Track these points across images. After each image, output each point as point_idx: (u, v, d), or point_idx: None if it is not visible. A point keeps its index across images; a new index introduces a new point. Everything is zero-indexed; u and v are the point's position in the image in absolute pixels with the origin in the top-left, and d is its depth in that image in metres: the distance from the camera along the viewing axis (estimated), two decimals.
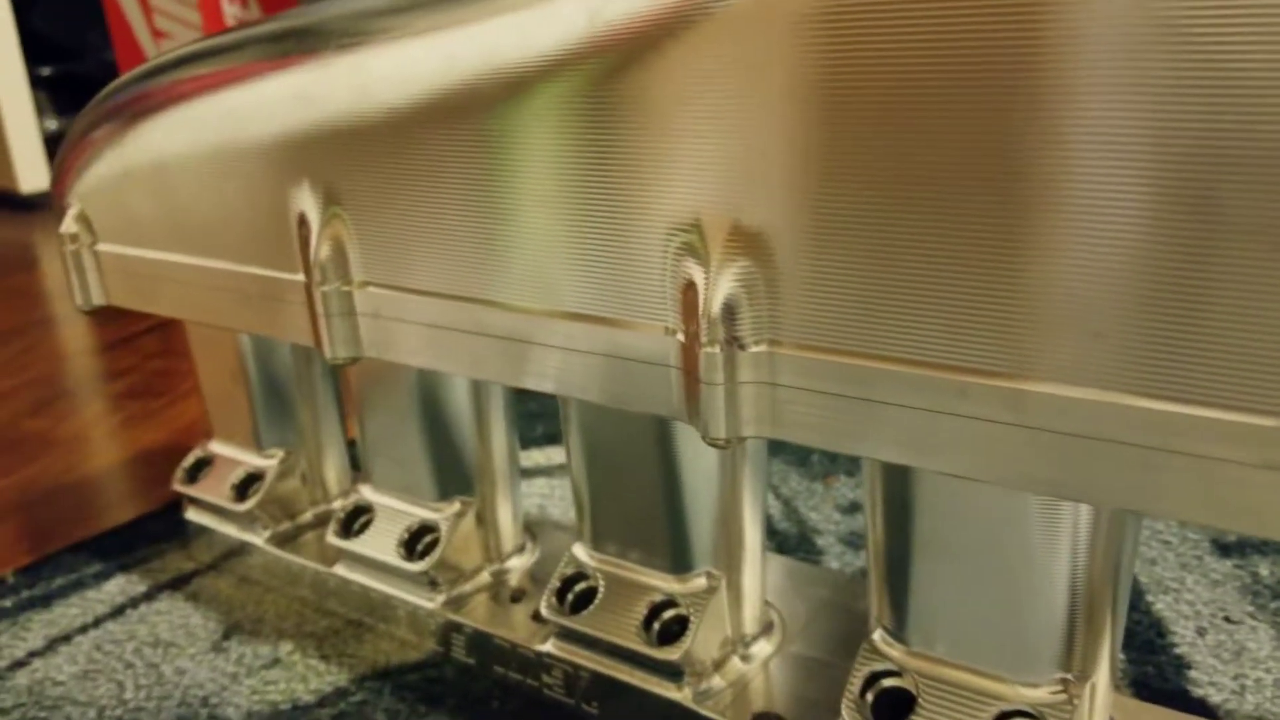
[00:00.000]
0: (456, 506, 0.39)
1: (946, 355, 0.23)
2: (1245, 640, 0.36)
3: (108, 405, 0.71)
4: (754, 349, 0.25)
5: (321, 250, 0.33)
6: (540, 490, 0.51)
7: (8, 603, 0.45)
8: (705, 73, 0.24)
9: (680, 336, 0.26)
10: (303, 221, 0.34)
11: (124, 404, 0.71)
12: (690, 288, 0.26)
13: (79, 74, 1.57)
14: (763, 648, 0.35)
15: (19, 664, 0.40)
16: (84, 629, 0.42)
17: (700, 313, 0.25)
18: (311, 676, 0.38)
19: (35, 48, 1.44)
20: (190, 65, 0.38)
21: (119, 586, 0.45)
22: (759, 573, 0.35)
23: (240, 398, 0.44)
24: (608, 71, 0.26)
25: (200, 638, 0.41)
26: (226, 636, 0.41)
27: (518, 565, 0.40)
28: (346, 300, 0.33)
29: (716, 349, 0.25)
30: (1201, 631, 0.37)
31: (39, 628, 0.43)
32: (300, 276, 0.35)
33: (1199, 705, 0.33)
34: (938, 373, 0.23)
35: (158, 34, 1.18)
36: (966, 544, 0.27)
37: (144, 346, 0.82)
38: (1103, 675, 0.28)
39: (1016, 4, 0.20)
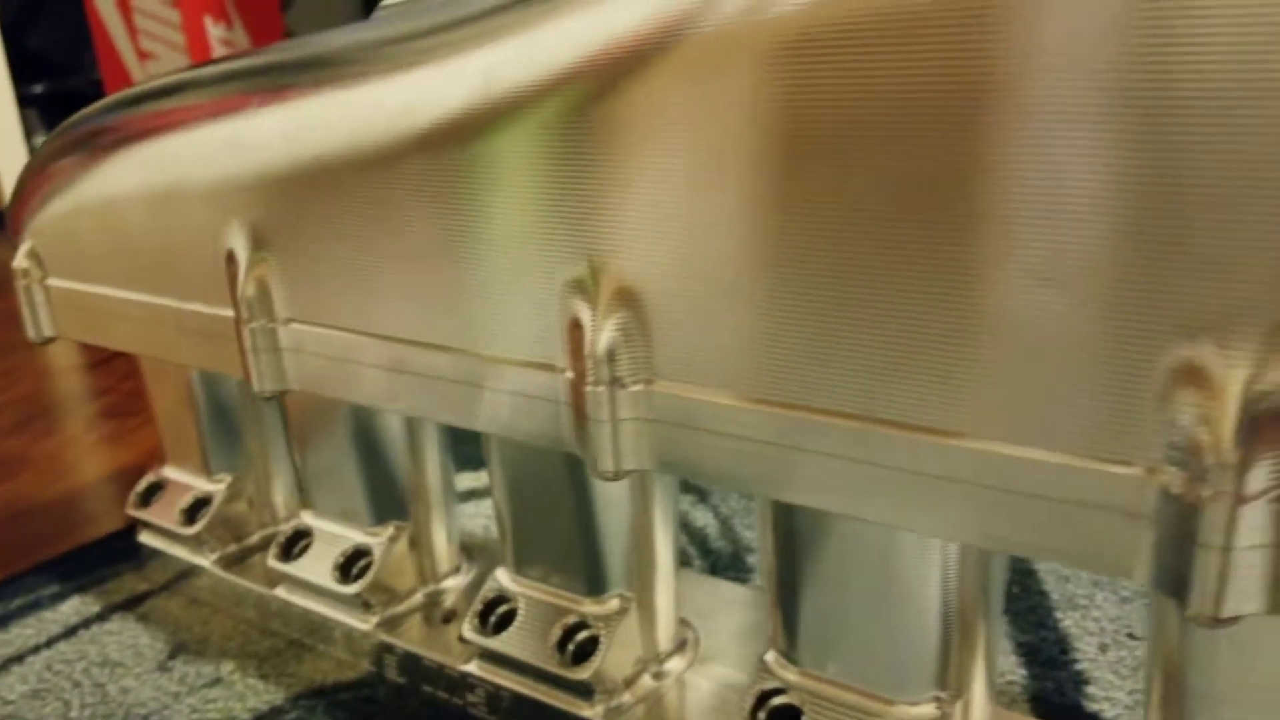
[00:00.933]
0: (391, 530, 0.40)
1: (815, 398, 0.24)
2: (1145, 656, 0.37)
3: (84, 424, 0.73)
4: (633, 388, 0.27)
5: (248, 288, 0.35)
6: (488, 511, 0.53)
7: None
8: (598, 129, 0.26)
9: (569, 374, 0.28)
10: (231, 259, 0.35)
11: (99, 423, 0.73)
12: (577, 327, 0.27)
13: (72, 91, 1.59)
14: (676, 665, 0.36)
15: None
16: (37, 649, 0.44)
17: (586, 353, 0.27)
18: (250, 695, 0.40)
19: (29, 65, 1.46)
20: (134, 107, 0.39)
21: (74, 607, 0.47)
22: (671, 593, 0.36)
23: (190, 424, 0.46)
24: (507, 127, 0.27)
25: (147, 657, 0.43)
26: (172, 656, 0.43)
27: (452, 586, 0.42)
28: (271, 336, 0.35)
29: (601, 388, 0.27)
30: (1104, 648, 0.38)
31: None
32: (231, 312, 0.36)
33: (1092, 719, 0.35)
34: (807, 414, 0.24)
35: (143, 54, 1.20)
36: (844, 572, 0.28)
37: (119, 367, 0.84)
38: (978, 692, 0.29)
39: (919, 94, 0.21)
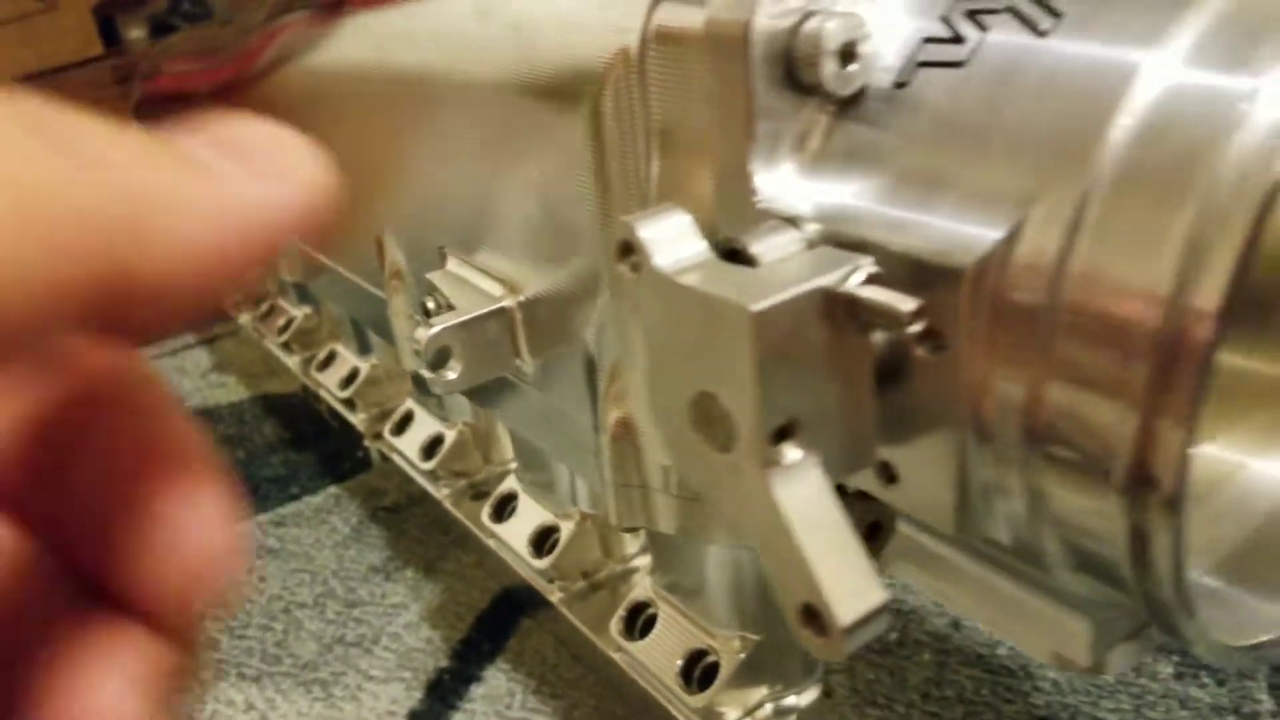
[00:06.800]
0: None
1: None
2: None
3: None
4: None
5: None
6: None
7: None
8: None
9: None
10: None
11: None
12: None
13: None
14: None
15: None
16: (157, 358, 0.77)
17: None
18: (233, 394, 0.71)
19: None
20: None
21: (182, 340, 0.80)
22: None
23: None
24: None
25: (202, 370, 0.75)
26: (212, 370, 0.74)
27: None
28: None
29: None
30: None
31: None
32: None
33: None
34: None
35: None
36: None
37: None
38: None
39: None
